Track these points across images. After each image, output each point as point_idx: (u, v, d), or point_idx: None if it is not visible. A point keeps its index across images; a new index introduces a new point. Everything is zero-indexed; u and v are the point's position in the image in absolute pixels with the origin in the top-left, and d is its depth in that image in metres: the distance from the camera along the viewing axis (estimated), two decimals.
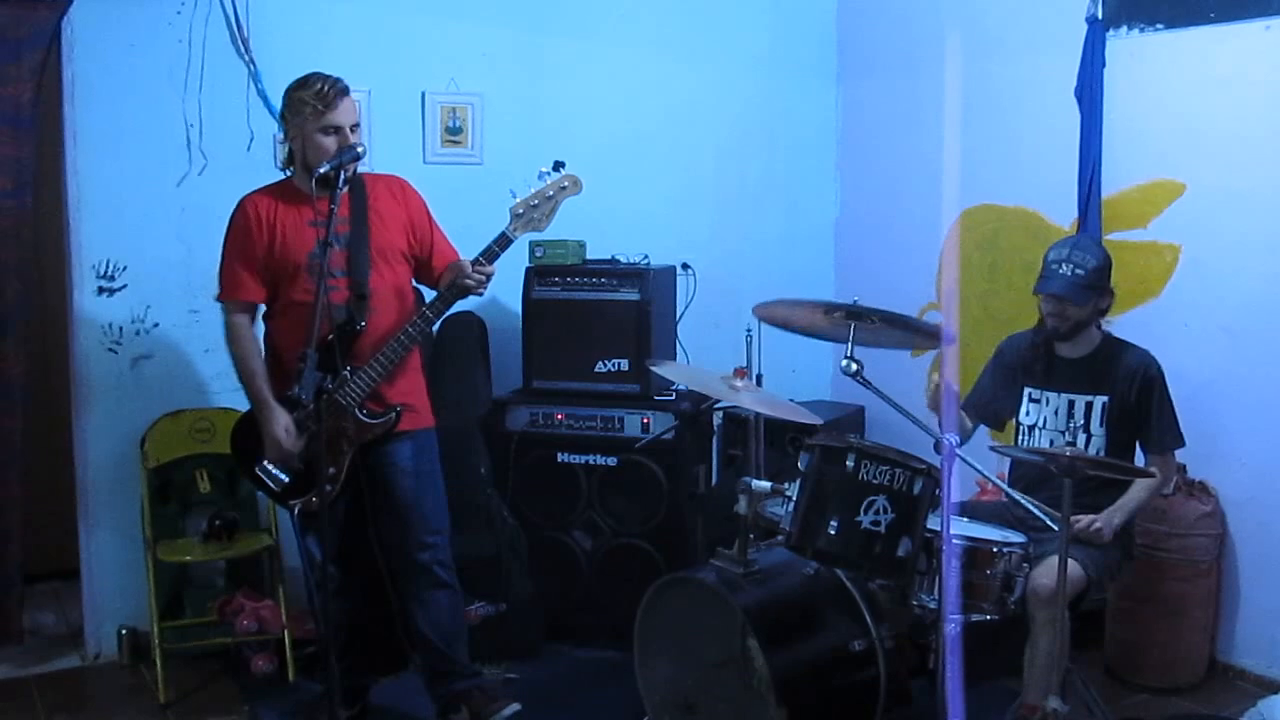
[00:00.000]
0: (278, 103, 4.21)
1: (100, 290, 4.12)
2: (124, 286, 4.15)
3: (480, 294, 3.40)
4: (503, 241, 3.33)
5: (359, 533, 3.52)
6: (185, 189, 4.19)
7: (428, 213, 3.54)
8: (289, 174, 3.39)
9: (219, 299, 3.46)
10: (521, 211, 3.32)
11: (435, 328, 3.52)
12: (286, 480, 3.31)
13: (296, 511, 3.33)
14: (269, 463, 3.32)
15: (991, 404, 3.78)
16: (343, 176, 3.12)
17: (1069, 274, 3.45)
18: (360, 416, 3.33)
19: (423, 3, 4.52)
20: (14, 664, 4.15)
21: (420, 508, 3.48)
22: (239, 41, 4.20)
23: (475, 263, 3.31)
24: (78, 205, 4.07)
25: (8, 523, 4.05)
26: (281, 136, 3.40)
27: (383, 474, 3.44)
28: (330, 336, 3.26)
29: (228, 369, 4.25)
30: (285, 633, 4.04)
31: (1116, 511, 3.44)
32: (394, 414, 3.37)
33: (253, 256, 3.36)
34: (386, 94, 4.45)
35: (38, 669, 4.15)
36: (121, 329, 4.17)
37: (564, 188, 3.35)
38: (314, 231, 3.28)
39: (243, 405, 4.22)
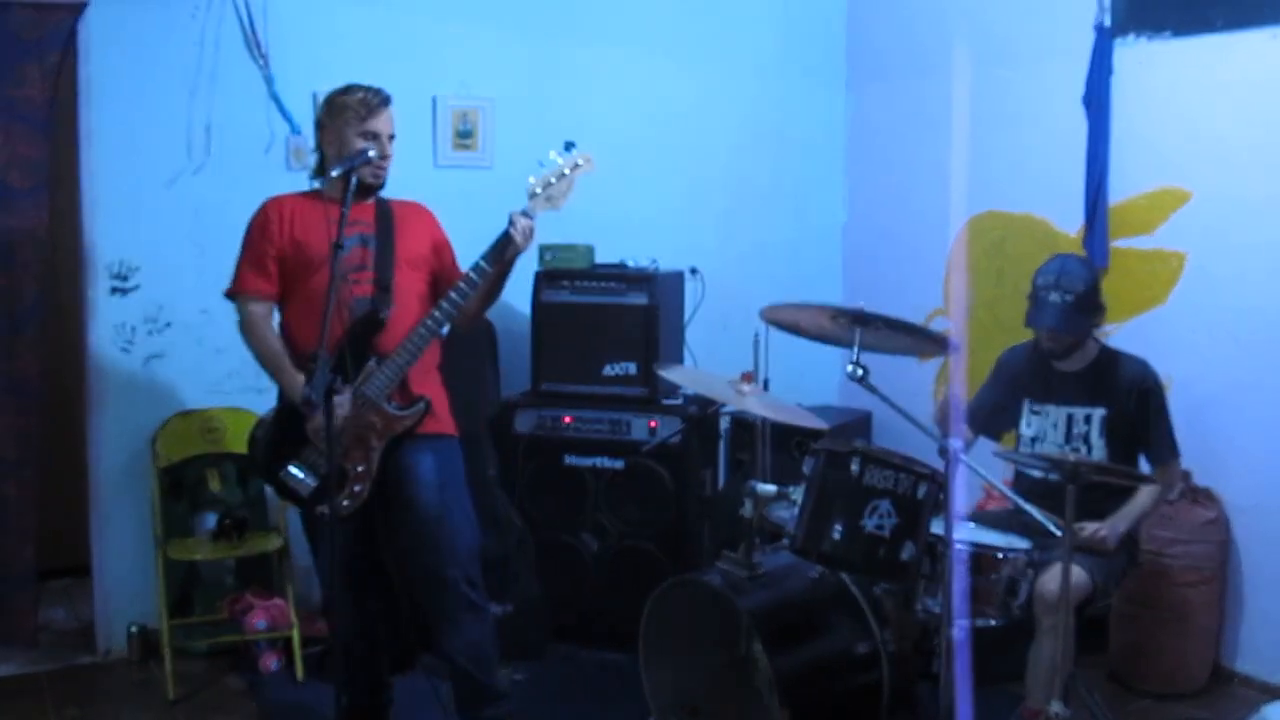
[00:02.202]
0: (291, 105, 4.32)
1: (114, 290, 4.16)
2: (137, 286, 4.19)
3: (521, 246, 3.29)
4: (524, 214, 3.31)
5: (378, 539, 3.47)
6: (198, 190, 4.23)
7: (444, 235, 3.54)
8: (319, 184, 3.36)
9: (227, 294, 3.40)
10: (539, 190, 3.32)
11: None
12: (313, 485, 3.23)
13: (325, 518, 3.21)
14: (292, 467, 3.24)
15: (991, 416, 3.80)
16: (353, 180, 3.12)
17: (1059, 302, 3.44)
18: (388, 409, 3.25)
19: (434, 7, 4.55)
20: (25, 660, 4.18)
21: (446, 523, 3.34)
22: (253, 45, 4.24)
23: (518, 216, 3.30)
24: (92, 205, 4.11)
25: (24, 522, 4.08)
26: (315, 144, 3.39)
27: (404, 488, 3.31)
28: (358, 323, 3.23)
29: (239, 369, 4.32)
30: (294, 631, 4.07)
31: (1121, 519, 3.45)
32: (423, 404, 3.30)
33: (265, 252, 3.33)
34: (398, 98, 4.35)
35: (49, 665, 4.18)
36: (134, 329, 4.20)
37: (578, 165, 3.36)
38: (336, 229, 3.23)
39: (254, 405, 4.29)
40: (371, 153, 3.15)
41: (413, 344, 3.24)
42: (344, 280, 3.24)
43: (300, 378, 3.18)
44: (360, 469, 3.25)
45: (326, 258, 3.21)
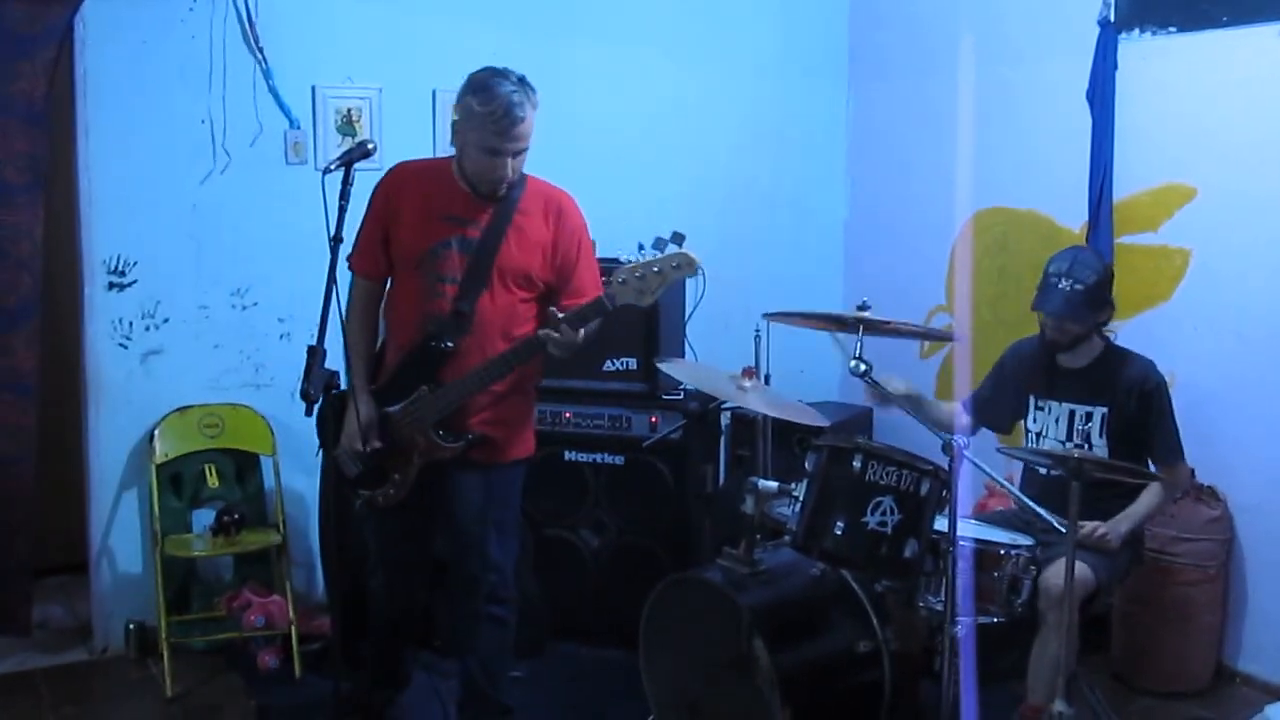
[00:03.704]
0: (289, 99, 4.30)
1: (111, 285, 4.14)
2: (134, 282, 4.17)
3: (559, 354, 3.06)
4: (597, 307, 3.01)
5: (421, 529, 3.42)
6: (196, 185, 4.21)
7: (579, 241, 3.22)
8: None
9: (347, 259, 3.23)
10: (624, 280, 2.95)
11: None
12: (357, 471, 3.22)
13: (360, 503, 3.25)
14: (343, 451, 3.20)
15: (992, 407, 3.78)
16: (353, 175, 3.08)
17: (1068, 290, 3.42)
18: (432, 436, 3.14)
19: (435, 1, 4.52)
20: (22, 657, 4.17)
21: (481, 544, 3.25)
22: (251, 39, 4.22)
23: (559, 323, 3.01)
24: (89, 201, 4.09)
25: (19, 516, 4.06)
26: (452, 121, 3.15)
27: (449, 501, 3.24)
28: (425, 346, 3.11)
29: (237, 365, 4.33)
30: (292, 628, 4.05)
31: (1124, 519, 3.44)
32: (465, 440, 3.14)
33: (372, 228, 3.19)
34: (398, 91, 4.47)
35: (45, 662, 4.16)
36: (132, 324, 4.18)
37: (676, 267, 2.96)
38: (444, 228, 3.12)
39: (252, 400, 4.30)
40: (371, 145, 3.08)
41: (471, 383, 3.09)
42: (431, 290, 3.13)
43: (360, 376, 3.14)
44: (397, 476, 3.21)
45: (418, 253, 3.13)
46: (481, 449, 3.20)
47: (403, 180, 3.24)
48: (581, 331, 3.06)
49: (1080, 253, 3.53)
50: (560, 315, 3.03)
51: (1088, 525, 3.33)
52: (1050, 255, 3.57)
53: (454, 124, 3.15)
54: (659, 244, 3.00)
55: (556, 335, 3.01)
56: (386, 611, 3.53)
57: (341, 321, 3.05)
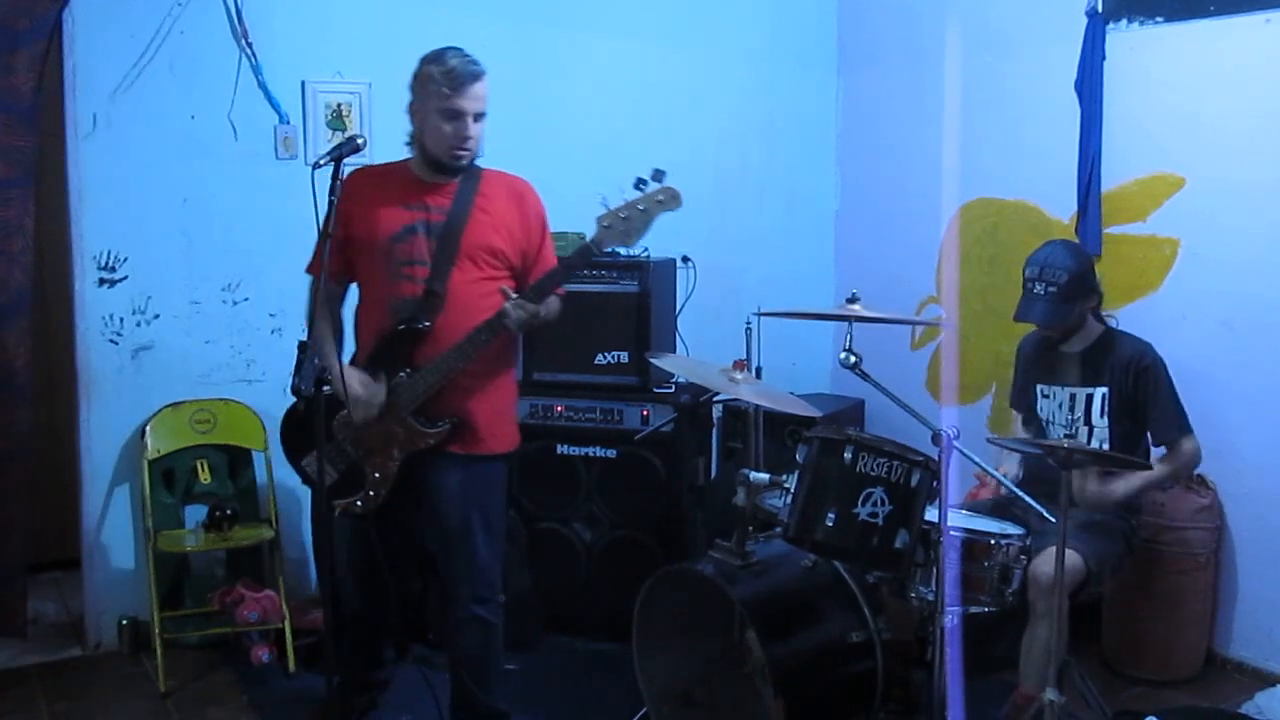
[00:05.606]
0: (278, 94, 4.30)
1: (101, 281, 4.13)
2: (125, 278, 4.16)
3: (518, 330, 3.08)
4: (584, 254, 3.06)
5: (397, 537, 3.39)
6: (186, 180, 4.20)
7: (543, 225, 3.27)
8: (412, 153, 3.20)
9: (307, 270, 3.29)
10: (609, 224, 2.99)
11: None
12: (332, 478, 3.17)
13: (338, 512, 3.17)
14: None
15: (1022, 400, 3.84)
16: (342, 166, 3.08)
17: (1043, 293, 3.46)
18: (413, 423, 3.12)
19: None
20: (15, 653, 4.16)
21: (465, 543, 3.23)
22: (239, 34, 4.21)
23: (526, 295, 3.05)
24: (79, 196, 4.07)
25: (14, 514, 4.05)
26: (407, 107, 3.18)
27: (431, 503, 3.23)
28: (399, 328, 3.10)
29: (228, 360, 4.33)
30: (285, 623, 4.05)
31: (1123, 482, 3.47)
32: (448, 425, 3.13)
33: (334, 231, 3.16)
34: (386, 85, 4.40)
35: (39, 658, 4.16)
36: (122, 320, 4.17)
37: (660, 201, 2.98)
38: (406, 215, 3.13)
39: (243, 396, 4.30)
40: (360, 140, 3.08)
41: (439, 368, 3.08)
42: (397, 274, 3.12)
43: (332, 356, 3.06)
44: (378, 475, 3.17)
45: (380, 243, 3.14)
46: (461, 440, 3.18)
47: (361, 178, 3.24)
48: (545, 308, 3.10)
49: (1051, 252, 3.52)
50: (514, 293, 3.08)
51: (1090, 486, 3.35)
52: (1031, 251, 3.57)
53: (410, 106, 3.17)
54: (639, 184, 3.00)
55: (512, 315, 3.03)
56: (365, 616, 3.50)
57: (307, 323, 3.14)
